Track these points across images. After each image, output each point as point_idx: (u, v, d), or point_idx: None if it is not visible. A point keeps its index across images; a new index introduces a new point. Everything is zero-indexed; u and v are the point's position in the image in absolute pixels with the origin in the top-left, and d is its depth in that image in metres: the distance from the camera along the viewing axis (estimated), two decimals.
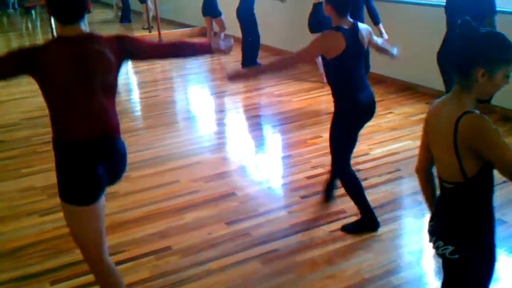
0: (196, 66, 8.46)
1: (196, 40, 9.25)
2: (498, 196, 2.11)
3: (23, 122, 5.98)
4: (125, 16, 12.80)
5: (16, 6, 16.91)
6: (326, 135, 5.05)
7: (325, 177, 3.88)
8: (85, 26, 2.31)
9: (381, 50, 3.49)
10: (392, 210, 3.69)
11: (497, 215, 1.99)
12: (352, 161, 4.35)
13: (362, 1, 5.28)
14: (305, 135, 5.12)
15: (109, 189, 4.18)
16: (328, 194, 3.76)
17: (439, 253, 1.93)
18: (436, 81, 5.99)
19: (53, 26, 9.48)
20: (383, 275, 3.01)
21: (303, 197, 3.93)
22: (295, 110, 5.92)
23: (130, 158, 4.67)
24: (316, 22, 6.82)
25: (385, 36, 5.29)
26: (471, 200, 1.87)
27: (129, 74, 8.83)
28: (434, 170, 2.06)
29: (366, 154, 4.59)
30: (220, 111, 6.43)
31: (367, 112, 3.35)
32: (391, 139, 4.88)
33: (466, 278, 1.94)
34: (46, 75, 2.22)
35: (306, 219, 3.63)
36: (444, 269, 2.02)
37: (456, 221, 1.89)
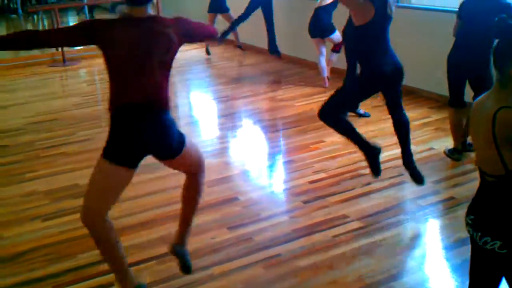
0: (199, 70, 8.48)
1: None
2: None
3: (26, 126, 5.99)
4: None
5: (20, 11, 16.98)
6: (329, 139, 5.11)
7: (327, 182, 3.87)
8: (152, 9, 2.57)
9: None
10: (395, 215, 3.69)
11: None
12: (354, 166, 4.38)
13: None
14: (307, 140, 5.12)
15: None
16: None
17: (488, 248, 1.95)
18: (438, 85, 6.01)
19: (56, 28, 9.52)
20: (385, 281, 3.00)
21: (305, 202, 3.93)
22: (297, 115, 5.92)
23: None
24: (317, 27, 6.85)
25: None
26: None
27: None
28: None
29: None
30: (223, 115, 6.43)
31: (387, 78, 3.69)
32: (394, 143, 4.87)
33: None
34: (112, 47, 2.48)
35: (308, 224, 3.63)
36: (486, 263, 2.03)
37: (502, 215, 1.92)
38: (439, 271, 3.16)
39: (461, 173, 4.27)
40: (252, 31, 8.71)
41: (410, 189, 4.04)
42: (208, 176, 4.43)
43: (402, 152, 3.95)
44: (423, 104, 5.96)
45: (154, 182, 4.35)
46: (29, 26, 15.24)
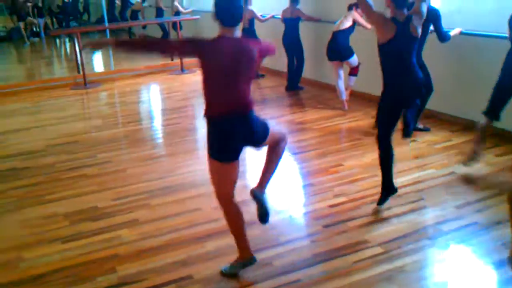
0: None
1: None
2: None
3: (48, 148, 6.06)
4: None
5: (42, 34, 17.36)
6: (348, 163, 5.07)
7: (347, 206, 3.83)
8: (238, 31, 3.02)
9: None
10: (416, 240, 3.62)
11: None
12: (374, 190, 4.33)
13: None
14: (326, 163, 5.09)
15: (129, 217, 4.20)
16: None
17: None
18: (460, 109, 5.96)
19: (78, 51, 9.68)
20: None
21: (326, 226, 3.89)
22: (316, 138, 5.90)
23: (151, 185, 4.73)
24: (335, 50, 6.87)
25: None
26: None
27: (151, 102, 8.94)
28: None
29: None
30: None
31: (407, 96, 3.87)
32: (415, 167, 4.82)
33: None
34: (210, 61, 2.96)
35: (329, 248, 3.58)
36: None
37: None
38: None
39: (484, 197, 4.19)
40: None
41: (431, 214, 3.98)
42: None
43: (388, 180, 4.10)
44: (444, 127, 5.90)
45: (172, 205, 4.35)
46: (52, 49, 15.54)
